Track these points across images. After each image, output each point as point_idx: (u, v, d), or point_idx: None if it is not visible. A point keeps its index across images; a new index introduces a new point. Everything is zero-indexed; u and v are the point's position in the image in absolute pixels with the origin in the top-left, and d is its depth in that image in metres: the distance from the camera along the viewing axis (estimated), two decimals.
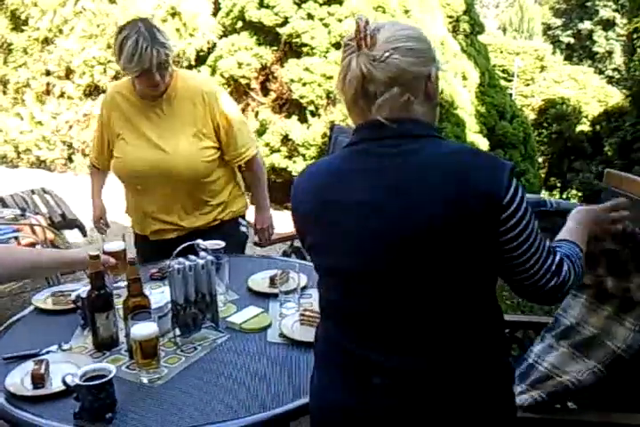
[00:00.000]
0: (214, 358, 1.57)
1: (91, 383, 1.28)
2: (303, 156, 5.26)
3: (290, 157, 5.39)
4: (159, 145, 2.12)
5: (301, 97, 5.33)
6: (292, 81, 5.40)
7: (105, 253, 1.74)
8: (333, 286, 1.18)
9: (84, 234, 3.55)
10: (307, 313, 1.74)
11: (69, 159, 6.56)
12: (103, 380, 1.28)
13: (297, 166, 5.25)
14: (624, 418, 1.50)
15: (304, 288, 1.95)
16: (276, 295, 1.87)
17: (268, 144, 5.44)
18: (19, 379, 1.42)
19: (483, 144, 5.65)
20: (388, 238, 1.07)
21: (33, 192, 3.97)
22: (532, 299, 1.16)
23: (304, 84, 5.33)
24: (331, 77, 5.34)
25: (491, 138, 5.96)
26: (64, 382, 1.32)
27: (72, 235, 3.71)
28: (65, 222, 3.48)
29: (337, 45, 5.47)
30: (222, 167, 2.25)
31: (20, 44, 6.28)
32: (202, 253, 1.71)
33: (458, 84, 5.84)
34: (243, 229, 2.41)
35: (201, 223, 2.25)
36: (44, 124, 6.33)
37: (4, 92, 6.39)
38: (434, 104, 1.13)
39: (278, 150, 5.39)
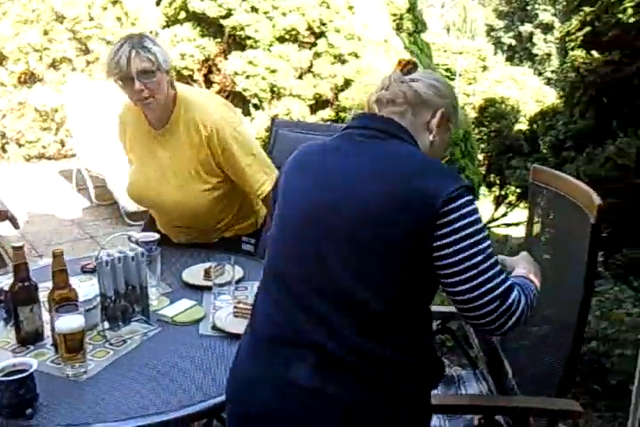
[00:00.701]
0: (144, 352, 1.54)
1: (9, 378, 1.24)
2: None
3: None
4: (159, 183, 2.04)
5: (245, 90, 5.29)
6: (235, 74, 5.35)
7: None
8: (276, 246, 1.25)
9: (16, 226, 3.42)
10: (240, 305, 1.73)
11: (2, 149, 6.29)
12: (23, 375, 1.24)
13: None
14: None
15: (239, 281, 1.94)
16: (210, 288, 1.85)
17: None
18: None
19: None
20: (324, 208, 1.16)
21: None
22: (480, 325, 1.13)
23: (247, 77, 5.29)
24: (274, 71, 5.32)
25: None
26: None
27: (3, 227, 3.57)
28: None
29: (281, 39, 5.45)
30: (231, 193, 2.11)
31: None
32: (132, 245, 1.69)
33: None
34: (246, 247, 2.27)
35: (203, 241, 2.20)
36: None
37: None
38: (428, 137, 1.24)
39: None
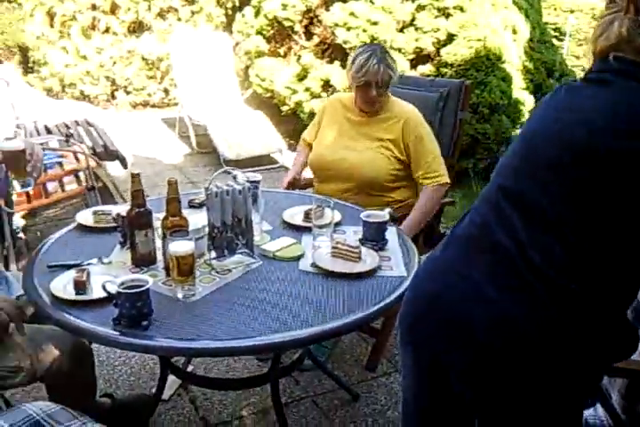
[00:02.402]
0: (248, 281, 1.62)
1: (129, 291, 1.33)
2: None
3: None
4: (348, 146, 2.42)
5: (345, 42, 5.20)
6: (336, 25, 5.26)
7: (1, 151, 1.69)
8: (501, 166, 1.23)
9: (125, 166, 3.62)
10: (339, 246, 1.77)
11: (112, 96, 6.59)
12: (141, 289, 1.34)
13: None
14: None
15: (337, 224, 1.97)
16: (309, 229, 1.90)
17: (308, 89, 5.37)
18: (62, 285, 1.50)
19: (528, 101, 5.48)
20: (559, 145, 1.10)
21: (77, 123, 4.04)
22: None
23: (348, 29, 5.19)
24: (376, 23, 5.19)
25: (537, 95, 5.77)
26: (104, 288, 1.39)
27: (113, 166, 3.79)
28: (107, 154, 3.54)
29: None
30: (410, 182, 2.46)
31: None
32: (239, 180, 1.74)
33: (507, 38, 5.64)
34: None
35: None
36: (88, 58, 6.34)
37: (51, 25, 6.39)
38: None
39: (319, 96, 5.31)
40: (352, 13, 5.25)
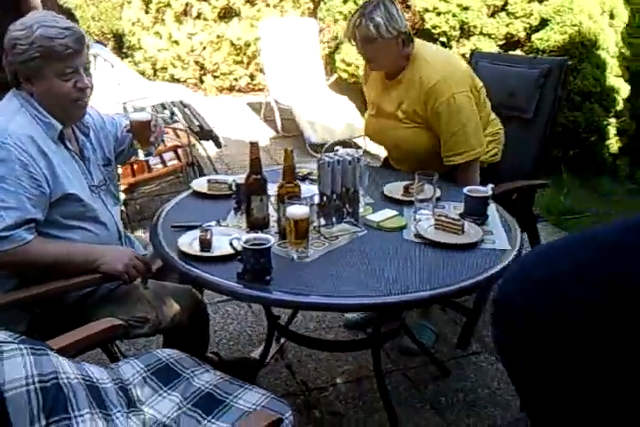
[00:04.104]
0: (354, 248, 1.69)
1: (254, 248, 1.43)
2: None
3: None
4: (384, 123, 2.30)
5: (434, 27, 5.17)
6: (425, 10, 5.24)
7: (130, 121, 1.83)
8: None
9: (219, 145, 3.77)
10: (442, 218, 1.81)
11: (200, 80, 6.80)
12: (265, 246, 1.43)
13: None
14: None
15: (438, 199, 2.01)
16: (409, 203, 1.94)
17: None
18: (188, 242, 1.61)
19: (623, 89, 5.27)
20: None
21: (173, 104, 4.22)
22: None
23: (438, 14, 5.16)
24: (467, 8, 5.13)
25: (633, 83, 5.55)
26: (231, 245, 1.49)
27: (207, 146, 3.95)
28: (202, 133, 3.70)
29: None
30: None
31: None
32: (349, 152, 1.81)
33: (604, 23, 5.44)
34: None
35: None
36: (180, 43, 6.57)
37: (147, 11, 6.65)
38: None
39: None
40: None
